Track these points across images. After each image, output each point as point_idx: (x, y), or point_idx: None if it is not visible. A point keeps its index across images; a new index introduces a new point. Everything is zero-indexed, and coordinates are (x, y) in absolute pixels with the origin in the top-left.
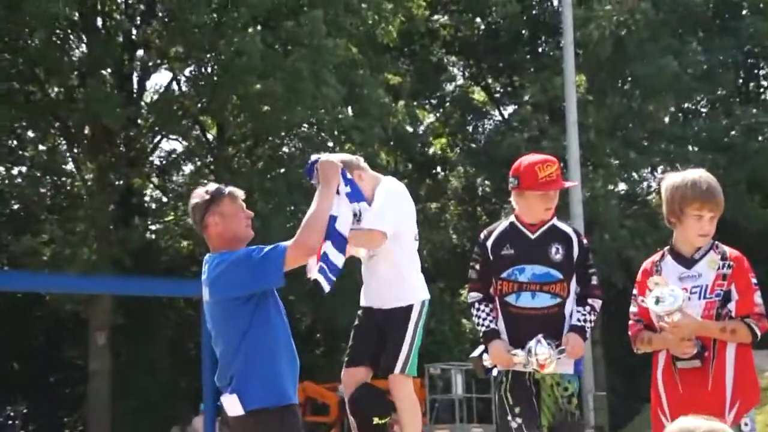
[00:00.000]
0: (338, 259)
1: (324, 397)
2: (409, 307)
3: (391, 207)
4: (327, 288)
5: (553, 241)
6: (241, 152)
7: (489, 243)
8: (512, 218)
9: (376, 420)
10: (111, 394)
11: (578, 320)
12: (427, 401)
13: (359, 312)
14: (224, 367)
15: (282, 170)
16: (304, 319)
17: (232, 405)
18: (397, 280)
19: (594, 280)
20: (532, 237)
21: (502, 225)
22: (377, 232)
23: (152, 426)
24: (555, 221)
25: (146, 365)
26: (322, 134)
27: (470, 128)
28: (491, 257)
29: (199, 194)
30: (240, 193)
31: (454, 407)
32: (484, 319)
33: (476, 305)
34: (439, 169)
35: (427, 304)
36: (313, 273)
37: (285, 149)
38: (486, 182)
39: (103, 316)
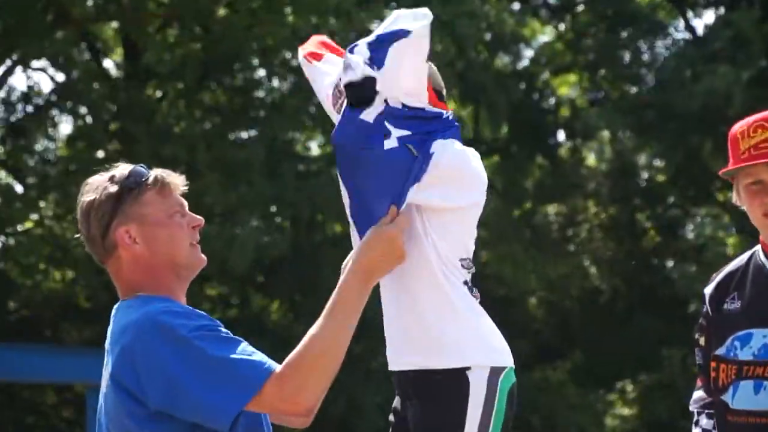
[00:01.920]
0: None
1: None
2: (462, 374)
3: (468, 169)
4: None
5: None
6: (175, 95)
7: (709, 291)
8: (758, 245)
9: None
10: None
11: None
12: None
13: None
14: None
15: (253, 132)
16: None
17: None
18: (434, 312)
19: None
20: None
21: (741, 258)
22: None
23: None
24: None
25: None
26: None
27: (627, 56)
28: (712, 317)
29: (97, 184)
30: (178, 182)
31: None
32: None
33: (695, 415)
34: (563, 136)
35: (509, 379)
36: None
37: (260, 92)
38: (657, 163)
39: None
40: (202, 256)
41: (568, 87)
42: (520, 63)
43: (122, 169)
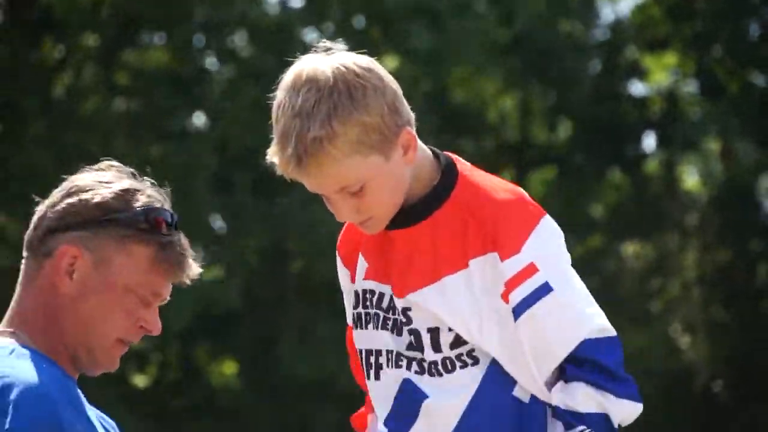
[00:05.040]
0: None
1: None
2: None
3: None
4: None
5: None
6: (85, 56)
7: None
8: None
9: None
10: None
11: None
12: None
13: None
14: None
15: (201, 118)
16: None
17: None
18: None
19: None
20: None
21: None
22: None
23: None
24: None
25: None
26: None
27: (755, 28)
28: None
29: (108, 179)
30: (188, 271)
31: None
32: None
33: None
34: (652, 143)
35: None
36: None
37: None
38: None
39: None
40: (117, 362)
41: (663, 71)
42: (593, 32)
43: (144, 190)
